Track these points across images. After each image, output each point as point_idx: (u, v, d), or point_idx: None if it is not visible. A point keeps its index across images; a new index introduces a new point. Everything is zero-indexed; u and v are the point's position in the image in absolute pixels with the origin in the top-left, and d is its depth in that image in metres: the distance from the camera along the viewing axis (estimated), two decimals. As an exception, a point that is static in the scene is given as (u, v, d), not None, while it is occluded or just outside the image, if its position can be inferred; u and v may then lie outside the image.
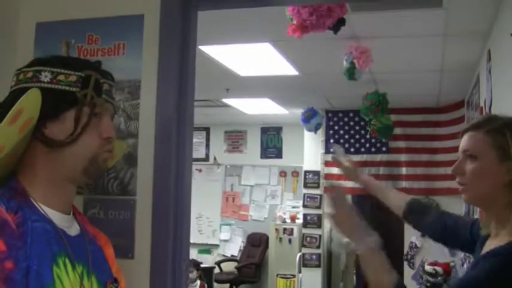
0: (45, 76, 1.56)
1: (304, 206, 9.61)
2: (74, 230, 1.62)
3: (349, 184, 8.86)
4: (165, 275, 2.04)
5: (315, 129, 8.45)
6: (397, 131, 8.29)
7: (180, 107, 2.10)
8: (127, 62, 2.14)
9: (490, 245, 1.94)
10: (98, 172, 1.65)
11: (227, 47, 5.74)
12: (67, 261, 1.50)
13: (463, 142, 2.01)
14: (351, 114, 9.11)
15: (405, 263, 8.91)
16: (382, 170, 8.98)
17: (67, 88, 1.55)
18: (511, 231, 1.87)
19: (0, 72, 2.28)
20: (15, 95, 1.53)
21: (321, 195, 9.41)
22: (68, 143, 1.55)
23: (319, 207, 9.45)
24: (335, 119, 9.24)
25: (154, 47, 2.12)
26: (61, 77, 1.56)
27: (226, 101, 8.92)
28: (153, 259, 2.04)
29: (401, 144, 8.88)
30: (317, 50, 5.63)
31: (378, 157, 9.01)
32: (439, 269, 7.27)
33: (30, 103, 1.50)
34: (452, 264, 7.91)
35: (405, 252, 8.95)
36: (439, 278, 7.17)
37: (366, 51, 5.09)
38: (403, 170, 8.88)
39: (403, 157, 8.90)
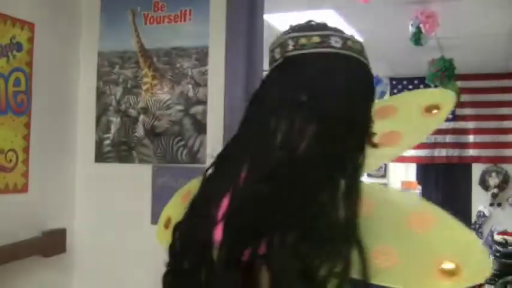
0: None
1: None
2: None
3: (412, 152, 8.65)
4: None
5: (380, 97, 8.35)
6: (464, 97, 8.08)
7: (249, 73, 2.06)
8: (194, 29, 2.11)
9: None
10: None
11: (288, 14, 5.66)
12: None
13: None
14: (416, 81, 8.92)
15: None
16: (448, 138, 8.78)
17: None
18: None
19: (69, 44, 2.30)
20: None
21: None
22: None
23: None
24: (399, 86, 9.07)
25: (221, 13, 2.09)
26: None
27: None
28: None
29: (468, 111, 8.65)
30: (382, 15, 5.50)
31: (445, 125, 8.79)
32: (509, 238, 7.11)
33: None
34: (523, 233, 7.74)
35: (473, 221, 8.79)
36: (509, 247, 7.02)
37: (432, 15, 4.98)
38: (471, 138, 8.68)
39: (470, 124, 8.69)
